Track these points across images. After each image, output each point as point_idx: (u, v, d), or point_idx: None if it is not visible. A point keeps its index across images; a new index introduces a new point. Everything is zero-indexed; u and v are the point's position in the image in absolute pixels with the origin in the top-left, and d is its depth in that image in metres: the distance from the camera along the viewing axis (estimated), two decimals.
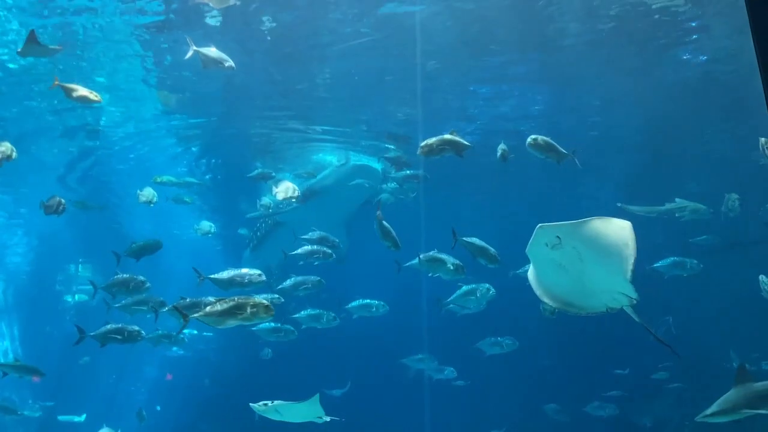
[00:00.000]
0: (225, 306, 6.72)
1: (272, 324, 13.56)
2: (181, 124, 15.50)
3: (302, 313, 13.09)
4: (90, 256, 23.91)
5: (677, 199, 12.50)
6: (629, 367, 17.24)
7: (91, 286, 11.62)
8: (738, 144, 15.10)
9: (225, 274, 10.55)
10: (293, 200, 12.04)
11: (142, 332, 10.89)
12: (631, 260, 4.80)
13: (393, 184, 17.15)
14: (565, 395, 17.40)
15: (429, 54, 12.18)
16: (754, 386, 6.89)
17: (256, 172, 14.93)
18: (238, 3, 10.26)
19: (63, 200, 11.20)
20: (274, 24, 11.16)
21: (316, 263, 12.41)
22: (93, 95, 9.46)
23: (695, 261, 13.10)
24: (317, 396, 7.45)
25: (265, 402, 7.39)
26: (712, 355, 16.75)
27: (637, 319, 5.21)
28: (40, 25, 10.89)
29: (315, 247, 12.25)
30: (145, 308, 11.23)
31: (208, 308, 6.79)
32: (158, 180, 14.59)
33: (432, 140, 8.85)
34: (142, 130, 15.76)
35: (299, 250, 12.24)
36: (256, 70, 12.61)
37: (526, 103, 14.74)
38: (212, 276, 10.40)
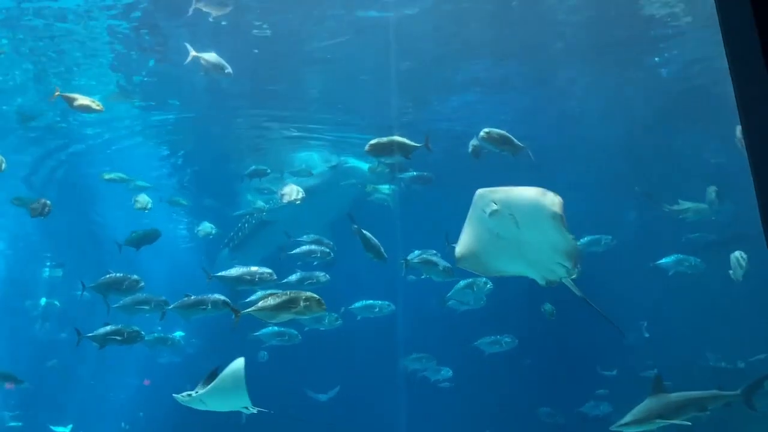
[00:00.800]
0: (278, 300, 6.84)
1: (275, 328, 13.30)
2: (157, 119, 15.21)
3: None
4: (63, 257, 23.43)
5: (680, 201, 12.70)
6: (612, 364, 17.37)
7: (74, 290, 11.38)
8: (713, 147, 15.34)
9: (234, 272, 10.51)
10: (297, 201, 11.86)
11: (142, 333, 10.63)
12: (566, 231, 4.84)
13: (386, 186, 17.09)
14: (549, 394, 17.48)
15: (404, 55, 12.18)
16: (668, 397, 7.11)
17: (251, 169, 14.59)
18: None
19: (48, 202, 10.98)
20: (260, 24, 11.06)
21: (315, 263, 12.37)
22: (95, 104, 9.51)
23: (698, 259, 13.41)
24: (242, 377, 7.06)
25: (189, 392, 7.19)
26: (698, 352, 16.99)
27: (577, 293, 5.22)
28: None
29: (313, 246, 12.15)
30: (147, 307, 10.90)
31: (261, 303, 6.92)
32: (106, 177, 14.15)
33: (383, 140, 8.92)
34: (116, 127, 15.50)
35: (297, 250, 12.15)
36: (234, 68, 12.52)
37: (502, 108, 14.81)
38: (221, 273, 10.33)
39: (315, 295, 6.88)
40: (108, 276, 10.69)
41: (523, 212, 4.81)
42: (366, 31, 11.39)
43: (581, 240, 13.52)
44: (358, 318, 13.42)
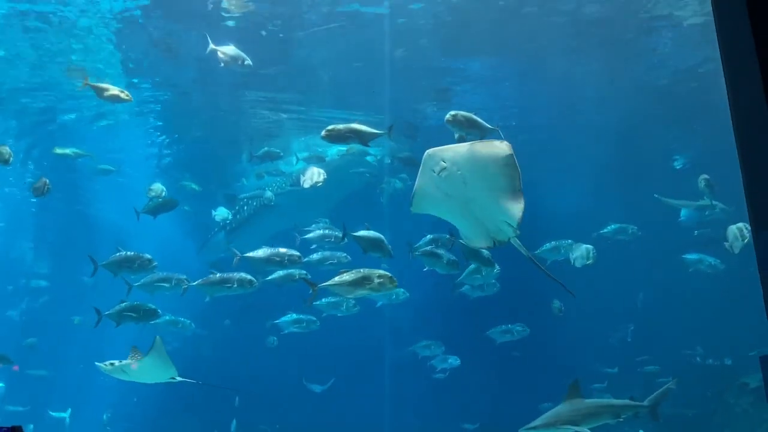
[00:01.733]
0: (354, 276, 7.20)
1: (294, 315, 13.26)
2: (148, 96, 14.87)
3: (322, 300, 12.85)
4: (51, 238, 23.17)
5: (704, 198, 12.79)
6: (600, 358, 17.45)
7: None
8: (703, 148, 15.44)
9: (261, 253, 10.50)
10: (319, 185, 11.66)
11: (159, 311, 10.50)
12: (515, 183, 4.82)
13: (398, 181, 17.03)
14: (537, 387, 17.52)
15: (398, 43, 12.12)
16: (582, 402, 7.09)
17: (263, 150, 14.37)
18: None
19: (48, 181, 10.84)
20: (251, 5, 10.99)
21: (326, 248, 12.33)
22: (124, 94, 9.60)
23: (718, 260, 13.70)
24: (162, 351, 7.13)
25: (111, 362, 7.26)
26: (688, 348, 17.12)
27: (525, 253, 5.24)
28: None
29: (327, 231, 12.05)
30: (167, 285, 10.85)
31: (337, 278, 7.24)
32: (58, 152, 13.95)
33: (339, 126, 8.81)
34: (107, 109, 15.29)
35: (312, 234, 12.09)
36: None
37: (496, 98, 14.79)
38: (249, 254, 10.31)
39: (387, 273, 7.19)
40: (119, 254, 10.57)
41: (471, 169, 4.82)
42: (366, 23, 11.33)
43: (609, 227, 13.92)
44: (378, 305, 13.32)
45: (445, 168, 4.83)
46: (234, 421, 17.28)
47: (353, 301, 12.86)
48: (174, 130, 16.73)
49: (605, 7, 11.36)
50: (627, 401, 7.34)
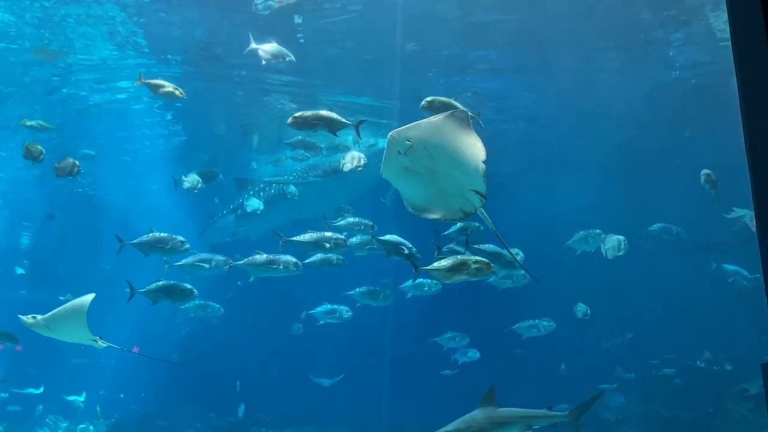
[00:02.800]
0: (452, 262, 7.38)
1: (328, 305, 13.35)
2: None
3: (356, 290, 12.78)
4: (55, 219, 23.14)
5: (734, 209, 12.74)
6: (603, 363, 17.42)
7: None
8: (715, 149, 15.31)
9: (307, 237, 10.49)
10: (359, 169, 11.52)
11: (195, 291, 10.34)
12: (478, 152, 4.86)
13: None
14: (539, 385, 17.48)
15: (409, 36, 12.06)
16: (495, 411, 7.03)
17: (295, 138, 14.04)
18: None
19: (78, 162, 10.70)
20: None
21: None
22: (178, 91, 9.64)
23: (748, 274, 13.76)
24: (83, 311, 6.84)
25: (34, 315, 7.04)
26: (683, 352, 17.05)
27: (490, 225, 5.23)
28: None
29: (357, 219, 11.97)
30: (207, 266, 10.89)
31: (436, 264, 7.47)
32: (27, 123, 13.46)
33: (307, 113, 8.67)
34: (114, 86, 15.15)
35: (341, 222, 11.92)
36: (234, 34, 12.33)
37: (508, 96, 14.73)
38: (294, 238, 10.32)
39: (484, 260, 7.36)
40: (151, 234, 10.49)
41: (435, 142, 4.87)
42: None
43: (654, 225, 13.84)
44: (408, 296, 13.26)
45: (411, 147, 4.87)
46: (242, 406, 17.32)
47: (389, 291, 12.73)
48: (183, 112, 16.63)
49: (619, 6, 11.28)
50: (544, 411, 7.21)
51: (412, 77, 13.56)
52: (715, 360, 16.14)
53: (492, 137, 10.31)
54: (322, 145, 15.38)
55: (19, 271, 22.68)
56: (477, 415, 6.97)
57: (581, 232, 12.15)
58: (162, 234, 10.50)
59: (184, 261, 10.93)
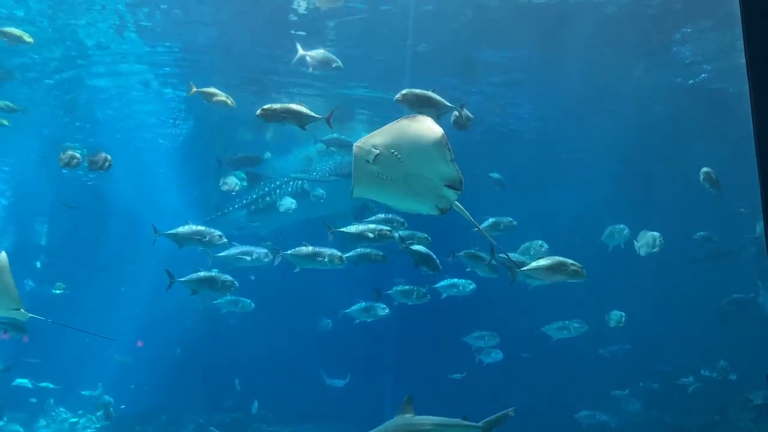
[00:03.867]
0: (550, 262, 7.85)
1: (364, 303, 13.21)
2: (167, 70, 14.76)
3: (394, 289, 12.55)
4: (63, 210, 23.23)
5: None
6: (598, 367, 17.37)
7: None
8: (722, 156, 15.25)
9: (353, 229, 10.40)
10: None
11: (236, 283, 10.42)
12: (445, 149, 4.87)
13: None
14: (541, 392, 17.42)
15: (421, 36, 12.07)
16: (412, 418, 7.11)
17: (330, 137, 13.82)
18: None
19: (109, 157, 10.65)
20: None
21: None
22: (229, 100, 9.89)
23: None
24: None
25: None
26: (684, 360, 16.98)
27: (466, 216, 5.28)
28: None
29: (390, 215, 11.97)
30: (248, 258, 10.93)
31: (534, 263, 7.97)
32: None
33: (275, 105, 8.47)
34: (123, 80, 15.20)
35: (373, 218, 11.62)
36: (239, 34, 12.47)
37: (515, 97, 14.73)
38: (342, 229, 10.16)
39: (579, 264, 7.80)
40: (188, 226, 10.49)
41: (403, 146, 4.90)
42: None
43: (699, 233, 13.73)
44: (443, 296, 13.21)
45: (378, 154, 4.91)
46: (255, 402, 17.26)
47: (424, 290, 12.45)
48: (192, 104, 16.47)
49: (628, 10, 11.26)
50: (458, 420, 7.26)
51: (423, 77, 13.60)
52: (721, 369, 16.05)
53: (502, 138, 10.38)
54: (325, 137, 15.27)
55: (38, 264, 22.85)
56: (394, 422, 7.08)
57: (609, 227, 12.04)
58: (199, 227, 10.53)
59: (226, 252, 10.97)
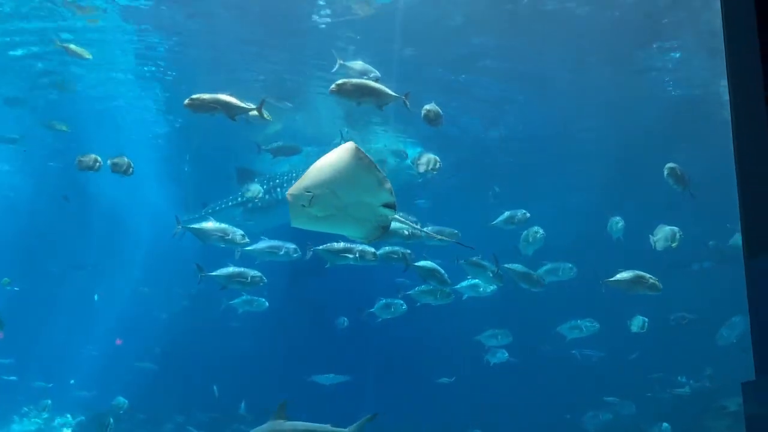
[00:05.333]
0: (631, 275, 8.62)
1: (384, 300, 13.21)
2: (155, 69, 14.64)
3: (416, 289, 12.57)
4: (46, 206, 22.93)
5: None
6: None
7: None
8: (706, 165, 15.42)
9: (338, 246, 10.56)
10: (434, 172, 11.16)
11: (264, 278, 10.66)
12: (376, 171, 4.97)
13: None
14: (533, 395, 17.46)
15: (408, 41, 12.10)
16: (283, 424, 7.55)
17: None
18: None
19: (131, 162, 10.76)
20: None
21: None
22: (266, 114, 9.98)
23: None
24: None
25: None
26: (660, 366, 17.13)
27: (409, 225, 5.68)
28: None
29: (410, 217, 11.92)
30: (279, 253, 11.07)
31: (618, 275, 8.77)
32: None
33: (205, 96, 8.37)
34: (112, 77, 15.10)
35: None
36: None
37: (502, 103, 14.81)
38: (323, 247, 10.39)
39: (655, 277, 8.83)
40: (212, 223, 10.66)
41: (335, 181, 4.97)
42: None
43: (734, 238, 13.72)
44: (464, 297, 13.14)
45: (313, 196, 4.97)
46: (243, 403, 17.15)
47: (448, 289, 12.45)
48: (176, 99, 16.33)
49: (614, 20, 11.39)
50: (327, 426, 7.66)
51: (408, 81, 13.64)
52: (694, 376, 16.25)
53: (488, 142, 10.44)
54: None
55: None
56: (265, 427, 7.50)
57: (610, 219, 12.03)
58: (223, 225, 10.66)
59: (254, 246, 11.04)
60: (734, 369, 14.33)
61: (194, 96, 8.26)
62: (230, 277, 10.42)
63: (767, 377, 2.50)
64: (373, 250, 10.57)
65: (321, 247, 10.43)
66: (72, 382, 19.50)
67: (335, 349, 17.99)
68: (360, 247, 10.41)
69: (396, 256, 11.05)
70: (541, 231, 11.66)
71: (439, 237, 9.01)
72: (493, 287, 12.43)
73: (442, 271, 10.53)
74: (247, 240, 10.62)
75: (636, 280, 8.68)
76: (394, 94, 8.09)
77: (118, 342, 22.61)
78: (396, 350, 18.07)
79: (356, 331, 16.84)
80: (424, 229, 10.69)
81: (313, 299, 18.56)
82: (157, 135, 18.52)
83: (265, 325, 18.41)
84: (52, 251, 22.51)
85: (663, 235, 10.46)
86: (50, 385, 19.08)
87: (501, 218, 10.93)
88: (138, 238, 21.42)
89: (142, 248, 21.37)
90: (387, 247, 11.00)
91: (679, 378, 16.37)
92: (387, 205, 5.08)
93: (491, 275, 10.74)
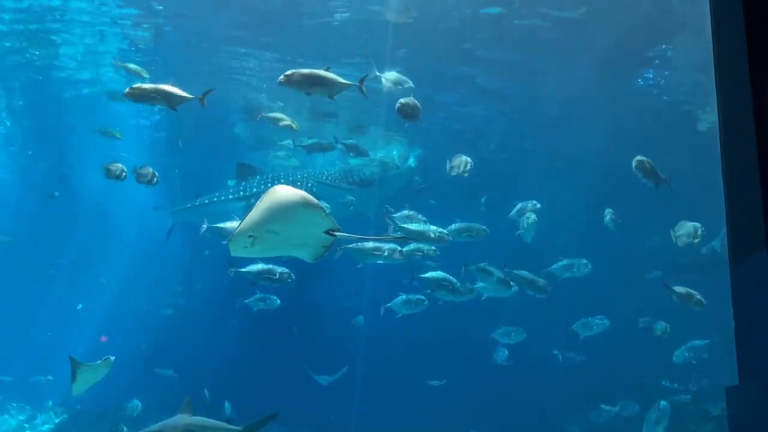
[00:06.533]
0: (684, 291, 9.84)
1: (404, 296, 12.88)
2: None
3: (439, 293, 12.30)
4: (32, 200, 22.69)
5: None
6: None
7: None
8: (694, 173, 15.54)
9: (414, 227, 10.66)
10: (465, 174, 11.02)
11: (292, 275, 10.81)
12: (310, 203, 5.15)
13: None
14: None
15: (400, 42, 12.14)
16: (184, 419, 7.68)
17: (349, 141, 14.17)
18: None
19: (156, 173, 10.89)
20: None
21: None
22: (294, 124, 10.65)
23: None
24: None
25: None
26: (648, 369, 17.22)
27: (352, 236, 5.79)
28: None
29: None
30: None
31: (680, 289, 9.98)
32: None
33: (146, 85, 8.34)
34: (98, 65, 14.92)
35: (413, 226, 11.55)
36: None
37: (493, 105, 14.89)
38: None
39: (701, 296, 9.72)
40: (235, 222, 10.90)
41: (274, 221, 5.16)
42: None
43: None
44: (484, 297, 13.01)
45: (253, 238, 5.18)
46: (227, 403, 17.04)
47: (471, 287, 12.16)
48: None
49: (606, 28, 11.48)
50: (223, 423, 7.83)
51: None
52: (677, 380, 16.33)
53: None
54: (308, 142, 15.10)
55: None
56: (170, 421, 7.66)
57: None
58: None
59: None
60: (718, 374, 14.49)
61: (134, 85, 8.25)
62: (259, 273, 10.63)
63: (751, 383, 2.52)
64: (400, 248, 10.65)
65: (351, 245, 10.54)
66: (50, 377, 19.31)
67: (331, 350, 18.01)
68: (388, 245, 10.55)
69: (420, 254, 11.06)
70: (533, 216, 11.68)
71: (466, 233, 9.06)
72: (515, 288, 12.06)
73: (453, 280, 10.58)
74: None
75: (687, 296, 9.81)
76: (345, 81, 7.94)
77: (103, 339, 22.42)
78: (386, 351, 18.08)
79: (353, 333, 16.93)
80: (450, 228, 10.98)
81: (314, 300, 18.49)
82: (144, 126, 18.35)
83: (255, 326, 18.36)
84: (40, 246, 22.32)
85: (685, 231, 10.27)
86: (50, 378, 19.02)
87: (515, 209, 10.98)
88: (124, 232, 21.25)
89: (129, 243, 21.24)
90: (413, 245, 10.96)
91: (671, 384, 16.36)
92: (329, 231, 5.22)
93: (496, 280, 10.81)
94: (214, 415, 16.88)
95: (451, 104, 15.00)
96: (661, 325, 12.94)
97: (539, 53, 12.35)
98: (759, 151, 2.32)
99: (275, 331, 18.27)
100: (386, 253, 10.61)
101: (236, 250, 5.29)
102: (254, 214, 5.14)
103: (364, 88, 8.37)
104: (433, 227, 10.60)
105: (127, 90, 8.16)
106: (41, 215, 21.94)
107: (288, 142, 15.75)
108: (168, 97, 8.15)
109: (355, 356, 18.02)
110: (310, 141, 14.46)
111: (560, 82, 13.36)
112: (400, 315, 13.15)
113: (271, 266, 10.68)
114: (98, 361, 7.43)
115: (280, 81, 7.61)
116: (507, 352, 15.06)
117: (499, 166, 17.06)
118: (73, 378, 7.45)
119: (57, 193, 18.84)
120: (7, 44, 13.91)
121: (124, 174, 10.66)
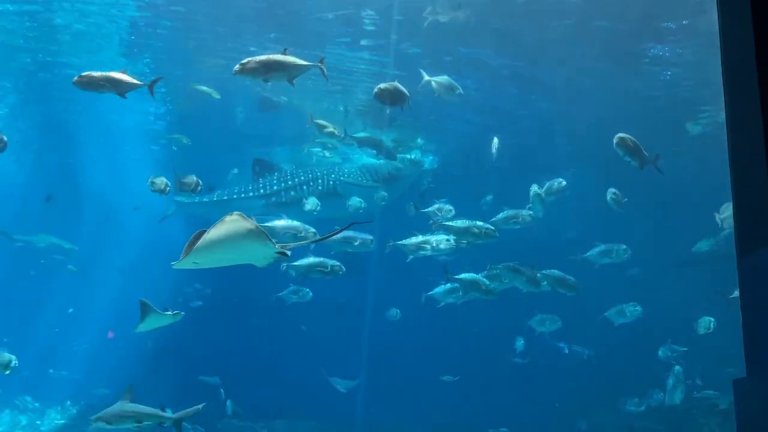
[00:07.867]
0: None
1: (448, 285, 12.51)
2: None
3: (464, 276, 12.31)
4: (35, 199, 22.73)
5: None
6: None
7: None
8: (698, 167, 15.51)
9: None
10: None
11: (343, 267, 10.92)
12: (256, 230, 5.24)
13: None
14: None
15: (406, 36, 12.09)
16: (123, 405, 7.97)
17: (360, 134, 14.24)
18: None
19: (168, 183, 11.02)
20: None
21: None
22: (337, 131, 11.16)
23: None
24: None
25: None
26: (653, 365, 17.17)
27: (307, 243, 6.01)
28: None
29: (447, 206, 11.73)
30: (355, 244, 11.48)
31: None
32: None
33: (95, 73, 8.17)
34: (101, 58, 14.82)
35: (430, 208, 11.74)
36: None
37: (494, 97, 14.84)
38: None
39: None
40: (283, 221, 11.04)
41: (226, 249, 5.31)
42: None
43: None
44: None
45: (199, 265, 5.42)
46: (229, 402, 17.06)
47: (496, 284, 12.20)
48: (173, 84, 15.48)
49: (610, 19, 11.42)
50: (156, 410, 8.09)
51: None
52: (685, 374, 16.28)
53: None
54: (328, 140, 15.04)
55: None
56: (112, 408, 7.98)
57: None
58: (294, 222, 10.96)
59: (326, 236, 11.13)
60: (725, 366, 14.47)
61: (83, 74, 8.10)
62: (311, 266, 10.75)
63: (758, 375, 2.51)
64: (450, 239, 10.70)
65: (401, 242, 10.69)
66: (51, 371, 19.45)
67: (324, 345, 18.04)
68: (435, 238, 10.64)
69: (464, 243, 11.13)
70: (535, 187, 11.57)
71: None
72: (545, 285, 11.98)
73: (486, 281, 10.61)
74: (318, 237, 10.59)
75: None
76: (305, 63, 7.68)
77: (110, 335, 22.50)
78: (395, 349, 18.09)
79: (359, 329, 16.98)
80: (497, 217, 11.14)
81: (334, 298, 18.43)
82: (149, 120, 18.34)
83: (258, 320, 18.40)
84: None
85: (730, 212, 10.22)
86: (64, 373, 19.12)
87: (542, 189, 11.06)
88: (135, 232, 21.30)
89: (137, 240, 21.28)
90: (453, 237, 10.99)
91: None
92: (279, 252, 5.39)
93: (526, 280, 10.87)
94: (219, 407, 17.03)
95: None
96: (705, 321, 12.77)
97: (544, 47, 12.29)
98: (766, 143, 2.31)
99: (282, 328, 18.31)
100: (433, 247, 10.68)
101: (181, 266, 5.44)
102: (202, 244, 5.24)
103: (324, 68, 8.05)
104: (479, 223, 10.63)
105: (75, 78, 8.06)
106: (46, 211, 22.05)
107: (323, 139, 15.35)
108: (116, 84, 8.08)
109: (361, 352, 18.10)
110: (361, 134, 14.54)
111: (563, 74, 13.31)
112: (443, 304, 12.90)
113: (322, 259, 10.83)
114: (168, 312, 7.79)
115: (235, 71, 7.39)
116: (523, 342, 15.02)
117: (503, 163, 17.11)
118: (142, 318, 7.81)
119: (52, 195, 18.83)
120: (10, 40, 13.95)
121: (167, 188, 10.87)
